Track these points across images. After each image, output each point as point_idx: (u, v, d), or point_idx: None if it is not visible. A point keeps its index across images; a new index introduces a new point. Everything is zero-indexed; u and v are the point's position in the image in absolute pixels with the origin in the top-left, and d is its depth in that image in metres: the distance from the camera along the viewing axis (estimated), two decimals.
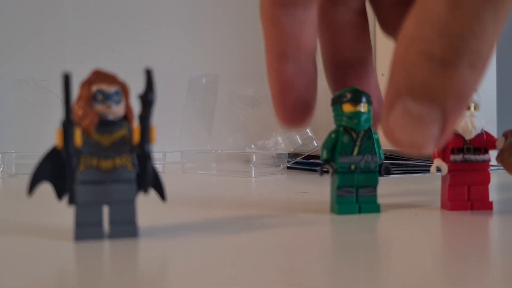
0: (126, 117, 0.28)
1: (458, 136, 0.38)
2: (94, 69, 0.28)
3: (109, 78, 0.28)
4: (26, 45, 0.88)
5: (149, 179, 0.28)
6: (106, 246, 0.27)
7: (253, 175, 0.65)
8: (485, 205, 0.38)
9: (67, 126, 0.26)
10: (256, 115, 0.71)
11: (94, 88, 0.28)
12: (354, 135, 0.36)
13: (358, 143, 0.36)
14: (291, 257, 0.26)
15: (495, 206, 0.38)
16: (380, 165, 0.37)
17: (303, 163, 0.69)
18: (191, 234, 0.30)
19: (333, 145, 0.37)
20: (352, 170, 0.36)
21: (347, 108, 0.36)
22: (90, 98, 0.27)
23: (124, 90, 0.28)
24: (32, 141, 0.74)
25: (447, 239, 0.32)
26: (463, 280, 0.22)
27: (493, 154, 0.38)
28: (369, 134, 0.37)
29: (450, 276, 0.23)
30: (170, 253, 0.26)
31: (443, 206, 0.39)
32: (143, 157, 0.27)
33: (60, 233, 0.30)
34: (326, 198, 0.39)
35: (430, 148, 0.23)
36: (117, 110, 0.28)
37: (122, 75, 0.29)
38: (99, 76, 0.28)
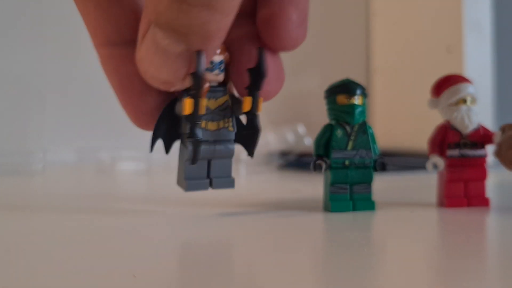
0: (224, 83, 0.32)
1: (454, 131, 0.37)
2: None
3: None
4: (5, 39, 0.86)
5: (255, 145, 0.32)
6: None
7: (244, 174, 0.64)
8: (482, 202, 0.37)
9: (197, 96, 0.29)
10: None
11: None
12: (348, 129, 0.35)
13: (352, 138, 0.35)
14: (283, 255, 0.25)
15: (492, 202, 0.37)
16: (375, 161, 0.36)
17: (295, 161, 0.67)
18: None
19: (327, 140, 0.35)
20: (346, 165, 0.35)
21: (341, 100, 0.35)
22: None
23: (226, 59, 0.31)
24: (12, 138, 0.72)
25: (443, 236, 0.31)
26: (459, 277, 0.21)
27: (490, 149, 0.38)
28: (363, 128, 0.35)
29: (446, 273, 0.22)
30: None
31: (440, 203, 0.38)
32: (252, 125, 0.31)
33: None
34: (319, 196, 0.38)
35: (176, 86, 0.25)
36: (221, 77, 0.31)
37: None
38: None
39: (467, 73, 0.70)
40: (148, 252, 0.26)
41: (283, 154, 0.68)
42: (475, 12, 0.73)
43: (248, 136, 0.32)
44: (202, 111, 0.30)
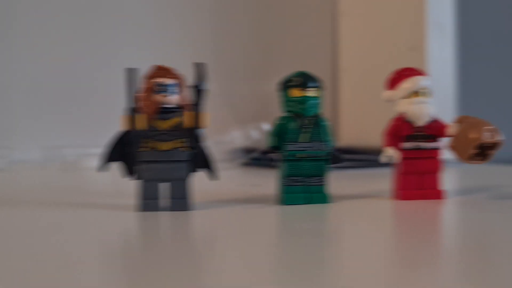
0: (182, 105, 0.33)
1: (409, 123, 0.37)
2: (155, 65, 0.33)
3: (167, 72, 0.32)
4: None
5: (201, 159, 0.32)
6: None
7: None
8: (436, 194, 0.37)
9: (130, 113, 0.31)
10: (212, 110, 0.69)
11: (154, 80, 0.32)
12: (302, 121, 0.35)
13: (305, 130, 0.35)
14: (235, 248, 0.24)
15: (446, 195, 0.37)
16: (330, 154, 0.35)
17: (259, 158, 0.67)
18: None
19: (280, 132, 0.35)
20: (300, 158, 0.35)
21: (295, 93, 0.35)
22: (151, 89, 0.32)
23: (180, 82, 0.33)
24: None
25: (395, 227, 0.30)
26: (412, 266, 0.20)
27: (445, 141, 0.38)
28: (317, 121, 0.35)
29: (398, 262, 0.22)
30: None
31: (395, 195, 0.38)
32: (196, 140, 0.32)
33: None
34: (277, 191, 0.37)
35: None
36: (174, 100, 0.32)
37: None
38: (158, 70, 0.32)
39: (429, 70, 0.71)
40: (105, 241, 0.25)
41: (248, 151, 0.68)
42: (438, 13, 0.75)
43: (193, 152, 0.33)
44: (139, 126, 0.31)
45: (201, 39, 0.94)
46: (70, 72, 0.85)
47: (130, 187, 0.40)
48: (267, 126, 0.68)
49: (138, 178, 0.32)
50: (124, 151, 0.32)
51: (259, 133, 0.68)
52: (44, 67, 0.84)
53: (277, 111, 0.36)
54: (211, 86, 0.82)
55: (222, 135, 0.68)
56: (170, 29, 0.93)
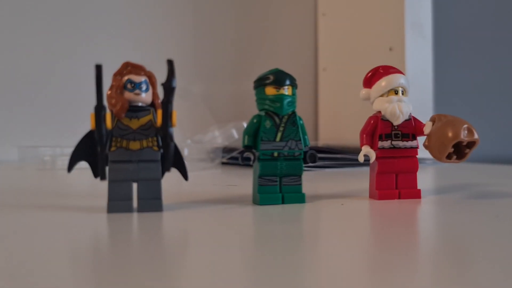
0: (153, 104, 0.32)
1: (386, 122, 0.37)
2: (125, 61, 0.32)
3: (138, 69, 0.32)
4: None
5: (170, 159, 0.31)
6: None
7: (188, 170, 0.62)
8: (413, 193, 0.37)
9: (99, 110, 0.30)
10: (191, 109, 0.68)
11: (125, 78, 0.31)
12: (277, 120, 0.34)
13: (281, 128, 0.34)
14: (207, 250, 0.24)
15: (423, 194, 0.37)
16: (305, 153, 0.35)
17: (237, 157, 0.66)
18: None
19: (255, 131, 0.34)
20: (275, 157, 0.34)
21: (270, 91, 0.34)
22: (121, 87, 0.31)
23: (151, 79, 0.32)
24: None
25: (371, 227, 0.30)
26: (390, 268, 0.20)
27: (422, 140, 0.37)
28: (293, 119, 0.34)
29: (375, 264, 0.21)
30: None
31: (371, 195, 0.38)
32: (165, 138, 0.31)
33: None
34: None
35: None
36: (145, 98, 0.31)
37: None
38: (129, 67, 0.31)
39: (408, 70, 0.72)
40: (74, 244, 0.24)
41: (228, 150, 0.67)
42: (417, 14, 0.75)
43: (165, 155, 0.31)
44: (109, 124, 0.31)
45: (182, 39, 0.93)
46: (47, 72, 0.83)
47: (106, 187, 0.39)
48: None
49: (109, 179, 0.31)
50: (94, 150, 0.31)
51: (239, 132, 0.67)
52: (20, 67, 0.82)
53: (255, 110, 0.36)
54: (194, 86, 0.81)
55: (202, 134, 0.68)
56: (151, 29, 0.92)
